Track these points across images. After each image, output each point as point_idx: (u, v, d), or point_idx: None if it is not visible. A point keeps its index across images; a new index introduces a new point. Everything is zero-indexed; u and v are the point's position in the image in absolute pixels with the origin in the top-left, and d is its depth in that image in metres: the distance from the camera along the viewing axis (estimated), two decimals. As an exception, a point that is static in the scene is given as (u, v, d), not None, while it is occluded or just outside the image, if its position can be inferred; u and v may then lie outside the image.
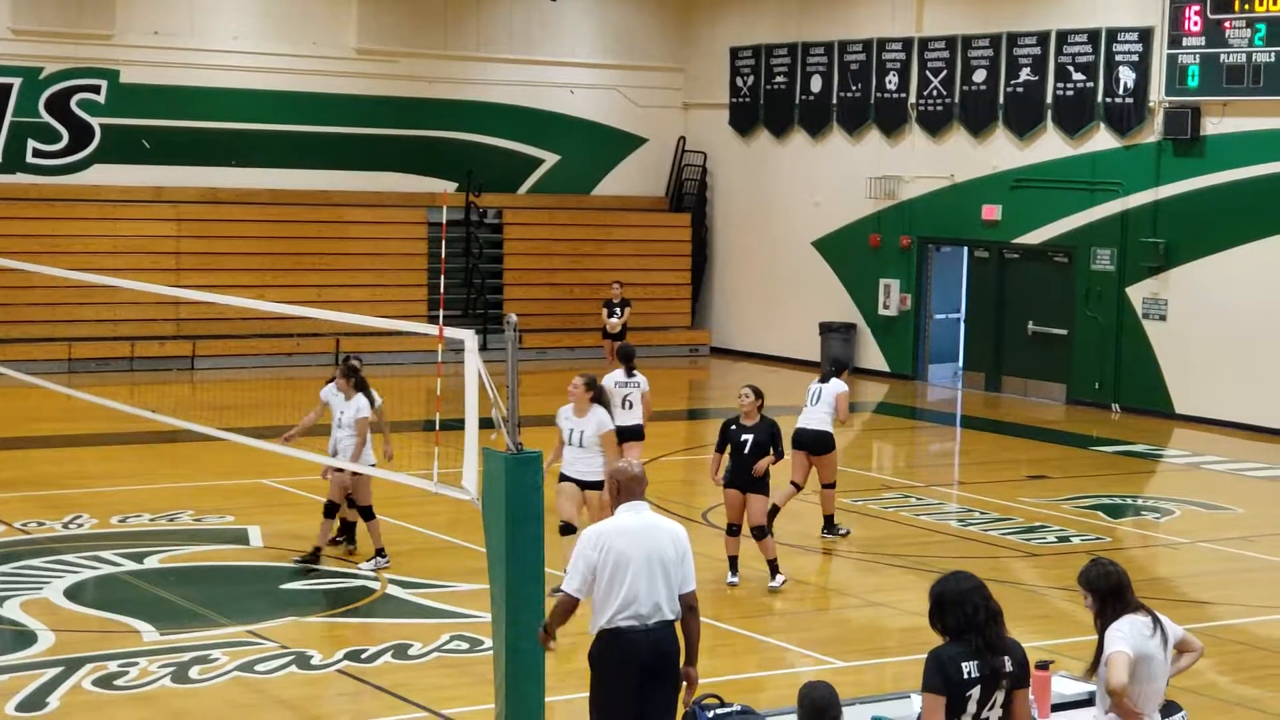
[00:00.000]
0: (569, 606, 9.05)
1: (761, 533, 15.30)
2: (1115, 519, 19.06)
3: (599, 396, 14.61)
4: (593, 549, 9.01)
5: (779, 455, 15.36)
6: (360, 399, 15.58)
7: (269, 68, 31.17)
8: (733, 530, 15.48)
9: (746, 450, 15.28)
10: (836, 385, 17.40)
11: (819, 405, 17.27)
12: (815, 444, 17.24)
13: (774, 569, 15.36)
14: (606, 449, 14.41)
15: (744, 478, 15.29)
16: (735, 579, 15.43)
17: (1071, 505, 19.63)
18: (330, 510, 15.60)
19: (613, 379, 17.96)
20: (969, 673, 7.57)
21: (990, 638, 7.60)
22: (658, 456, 21.78)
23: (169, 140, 30.61)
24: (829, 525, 17.59)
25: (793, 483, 17.21)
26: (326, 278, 30.77)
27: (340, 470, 15.30)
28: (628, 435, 18.20)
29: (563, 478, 14.61)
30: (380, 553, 15.54)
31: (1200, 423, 26.06)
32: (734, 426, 15.45)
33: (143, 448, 21.47)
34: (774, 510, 16.21)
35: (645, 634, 8.98)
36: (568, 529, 14.44)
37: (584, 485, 14.52)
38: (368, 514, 15.56)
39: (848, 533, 17.66)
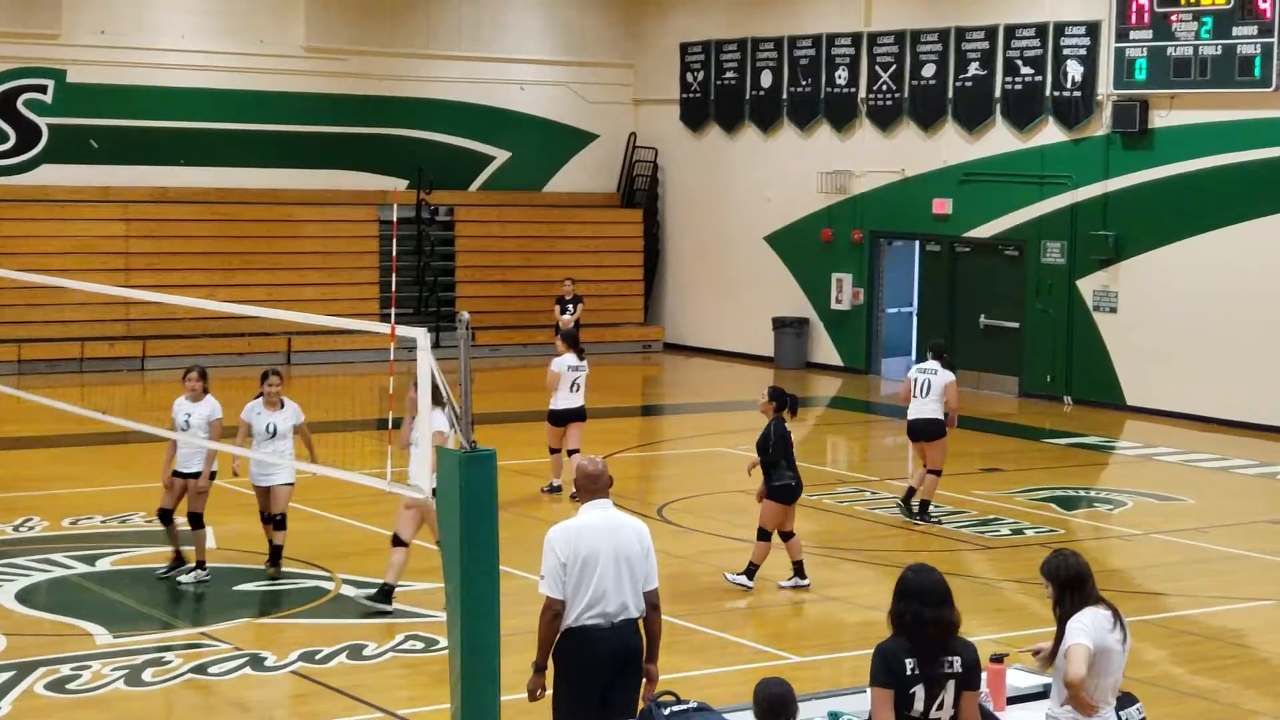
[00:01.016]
0: (556, 610, 8.97)
1: (762, 534, 15.16)
2: (1068, 511, 19.14)
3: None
4: (561, 548, 8.98)
5: (759, 459, 15.13)
6: (212, 401, 15.16)
7: (217, 66, 31.01)
8: (780, 536, 15.27)
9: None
10: (945, 375, 18.10)
11: (930, 396, 17.96)
12: (927, 431, 18.02)
13: (798, 570, 15.17)
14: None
15: (766, 482, 15.16)
16: (798, 582, 15.25)
17: (1025, 498, 19.71)
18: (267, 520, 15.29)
19: (565, 363, 18.94)
20: (911, 669, 7.59)
21: (933, 636, 7.61)
22: (613, 452, 21.76)
23: (117, 140, 30.43)
24: (924, 510, 18.10)
25: (927, 471, 18.11)
26: (277, 276, 30.65)
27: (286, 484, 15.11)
28: (574, 417, 19.07)
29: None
30: (200, 565, 15.09)
31: (1151, 414, 26.19)
32: None
33: (93, 449, 21.32)
34: (916, 498, 17.94)
35: (611, 632, 8.97)
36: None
37: None
38: (197, 522, 15.05)
39: (939, 521, 18.07)
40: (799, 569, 15.26)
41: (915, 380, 18.15)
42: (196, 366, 15.40)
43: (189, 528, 15.07)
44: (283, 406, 15.03)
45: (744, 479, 17.01)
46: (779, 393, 15.25)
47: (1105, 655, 8.20)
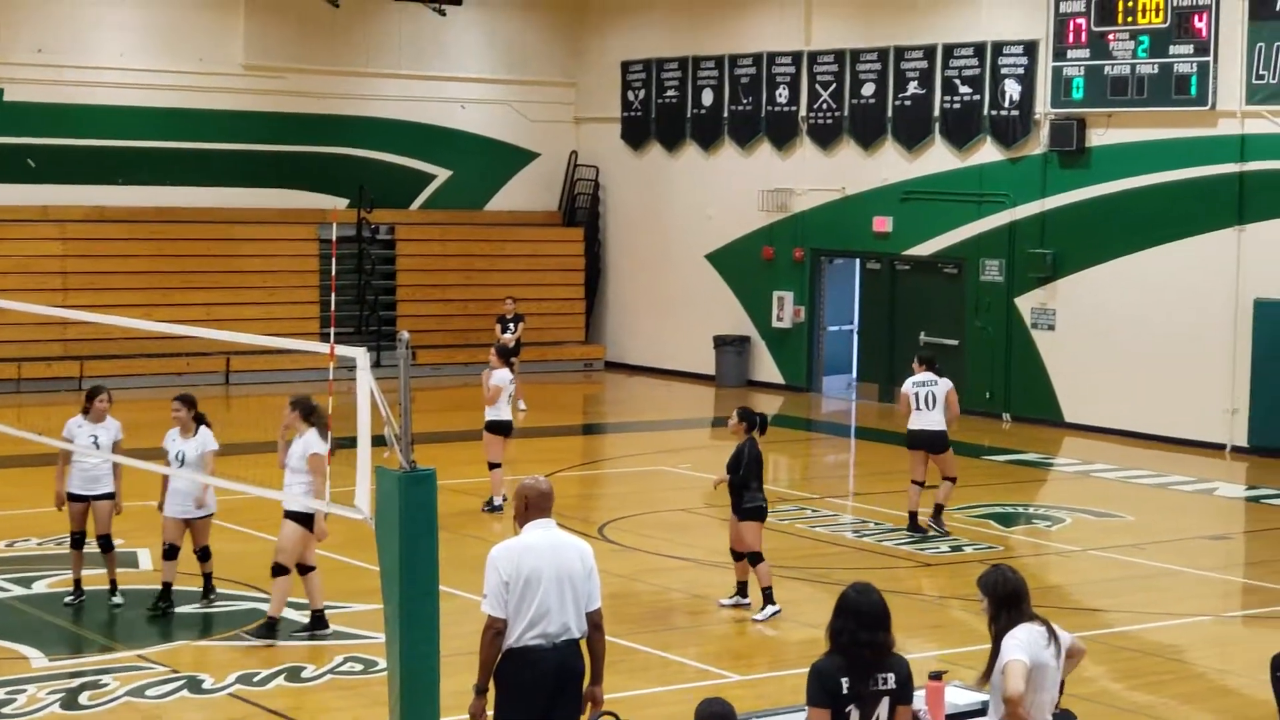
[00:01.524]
0: (498, 629, 8.91)
1: (754, 559, 15.04)
2: (1007, 528, 19.21)
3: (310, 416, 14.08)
4: (504, 566, 8.94)
5: (733, 479, 14.96)
6: (114, 423, 14.89)
7: (155, 84, 30.86)
8: (733, 555, 15.23)
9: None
10: (945, 384, 18.42)
11: (935, 408, 18.21)
12: (935, 443, 18.27)
13: (767, 597, 14.99)
14: (314, 474, 13.80)
15: (735, 503, 15.03)
16: (739, 600, 15.19)
17: (964, 514, 19.76)
18: (172, 551, 14.80)
19: (506, 376, 19.43)
20: (846, 688, 7.62)
21: (869, 656, 7.64)
22: (554, 471, 21.73)
23: (54, 158, 30.24)
24: (937, 515, 18.42)
25: (915, 482, 18.36)
26: (216, 296, 30.49)
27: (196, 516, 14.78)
28: (510, 430, 19.59)
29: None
30: (113, 587, 14.91)
31: (1089, 431, 26.34)
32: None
33: (30, 470, 21.10)
34: (913, 515, 18.25)
35: (552, 652, 8.94)
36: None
37: None
38: (108, 544, 14.87)
39: (948, 533, 18.35)
40: (743, 589, 15.25)
41: (916, 394, 18.30)
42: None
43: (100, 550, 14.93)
44: (196, 434, 14.48)
45: (686, 498, 17.11)
46: (749, 413, 15.14)
47: (1041, 671, 8.24)
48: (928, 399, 18.25)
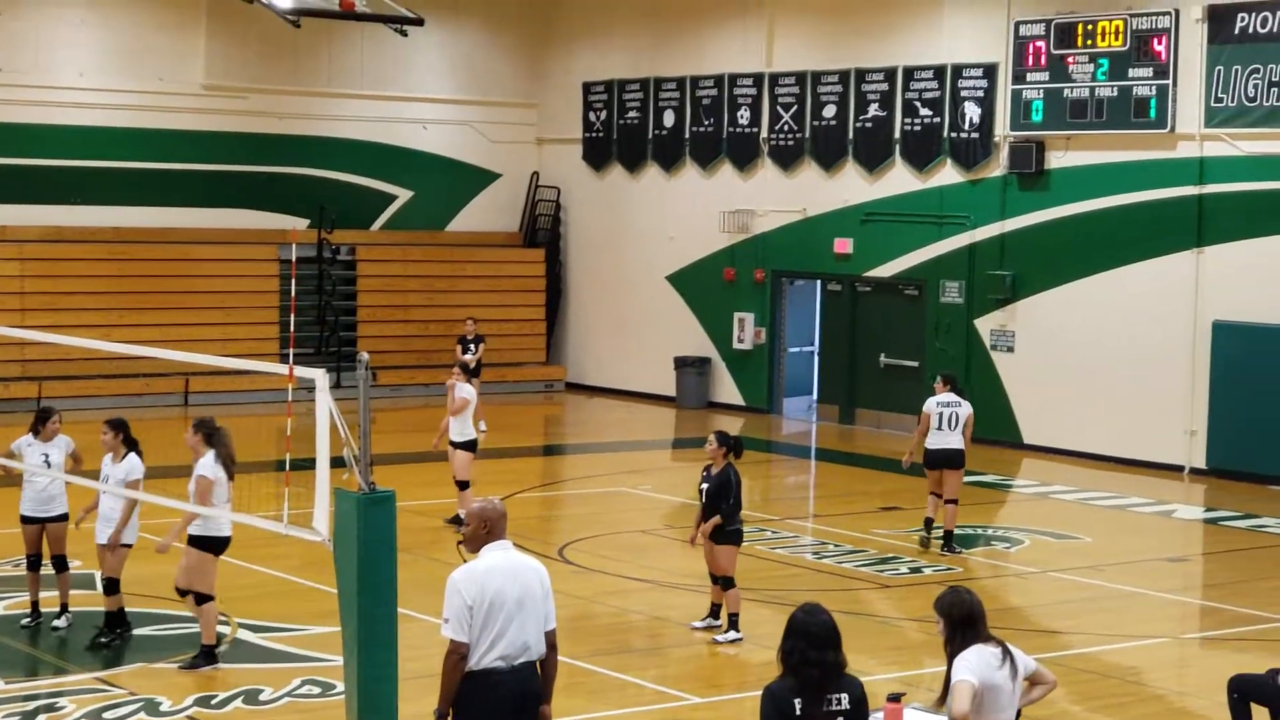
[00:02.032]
0: (462, 654, 8.83)
1: (727, 583, 14.97)
2: (966, 549, 19.22)
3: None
4: (468, 590, 8.89)
5: (723, 508, 14.76)
6: (64, 439, 14.68)
7: (115, 104, 30.76)
8: (713, 578, 15.14)
9: (703, 499, 14.95)
10: (967, 407, 18.86)
11: (956, 428, 18.63)
12: (953, 461, 18.66)
13: (732, 622, 14.89)
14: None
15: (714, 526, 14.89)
16: (711, 623, 15.14)
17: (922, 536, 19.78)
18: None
19: (471, 391, 19.62)
20: (799, 708, 7.62)
21: (818, 677, 7.65)
22: (514, 492, 21.70)
23: (12, 178, 30.09)
24: (949, 541, 18.77)
25: (934, 493, 18.80)
26: (175, 316, 30.37)
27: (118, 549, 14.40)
28: (475, 446, 19.60)
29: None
30: (64, 608, 14.74)
31: (1048, 453, 26.42)
32: (704, 473, 15.07)
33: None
34: (942, 530, 18.59)
35: (511, 674, 8.91)
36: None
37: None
38: (62, 564, 14.73)
39: (960, 551, 18.76)
40: (715, 612, 15.20)
41: (940, 414, 18.66)
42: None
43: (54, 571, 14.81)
44: (125, 458, 14.19)
45: (646, 519, 17.09)
46: (728, 437, 15.03)
47: (993, 693, 8.23)
48: (951, 419, 18.64)
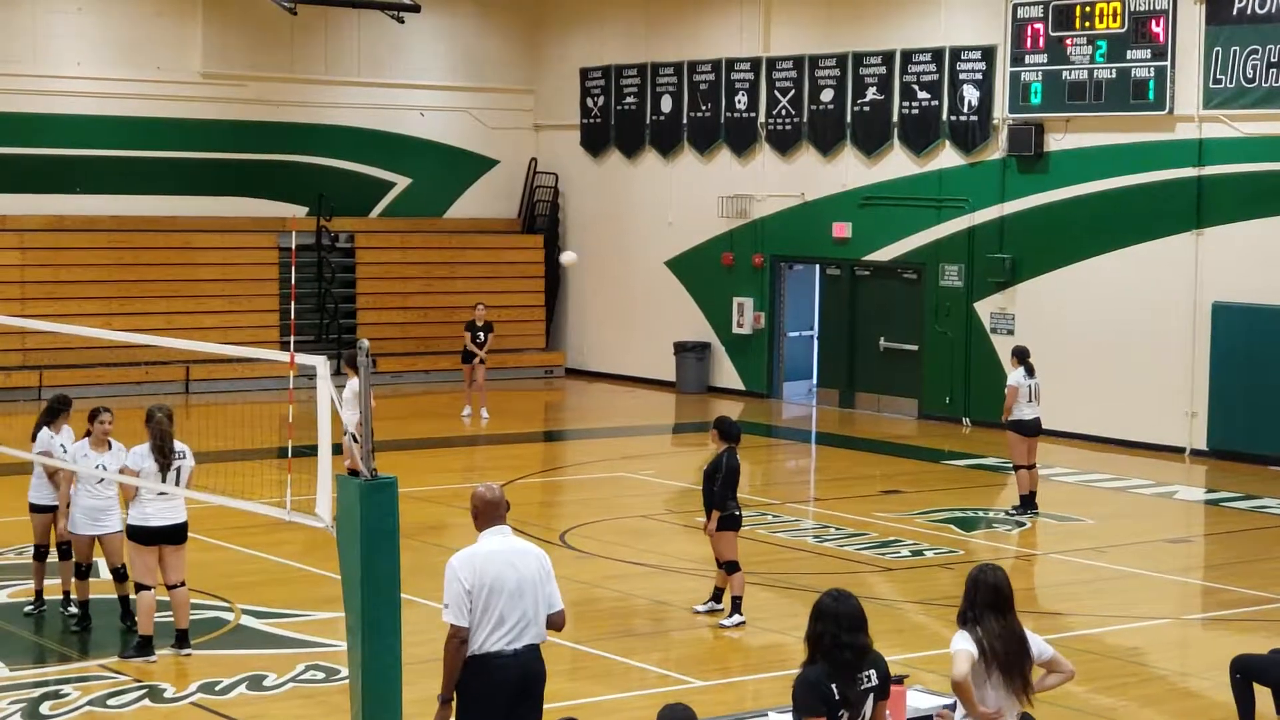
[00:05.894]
0: (462, 638, 8.90)
1: (730, 568, 14.94)
2: (968, 532, 19.26)
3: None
4: (466, 575, 8.93)
5: (720, 504, 14.75)
6: (119, 450, 14.24)
7: (113, 93, 30.75)
8: (718, 562, 15.11)
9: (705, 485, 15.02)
10: (1038, 380, 20.47)
11: (1037, 401, 20.30)
12: (1039, 430, 20.35)
13: (735, 606, 14.88)
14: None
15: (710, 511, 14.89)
16: (714, 606, 15.11)
17: (924, 519, 19.83)
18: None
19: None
20: (837, 693, 7.75)
21: (850, 659, 7.76)
22: (515, 478, 21.73)
23: (12, 168, 30.08)
24: (1028, 502, 20.20)
25: (1020, 467, 20.27)
26: (175, 305, 30.40)
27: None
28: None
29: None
30: (68, 597, 14.70)
31: (1049, 435, 26.31)
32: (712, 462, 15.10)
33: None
34: (1030, 496, 20.11)
35: (513, 658, 8.95)
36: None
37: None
38: (67, 553, 14.61)
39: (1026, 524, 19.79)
40: (718, 595, 15.21)
41: (1028, 387, 20.18)
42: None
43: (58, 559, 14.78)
44: (110, 448, 13.97)
45: (647, 504, 17.11)
46: (727, 422, 15.06)
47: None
48: (1035, 391, 20.22)
